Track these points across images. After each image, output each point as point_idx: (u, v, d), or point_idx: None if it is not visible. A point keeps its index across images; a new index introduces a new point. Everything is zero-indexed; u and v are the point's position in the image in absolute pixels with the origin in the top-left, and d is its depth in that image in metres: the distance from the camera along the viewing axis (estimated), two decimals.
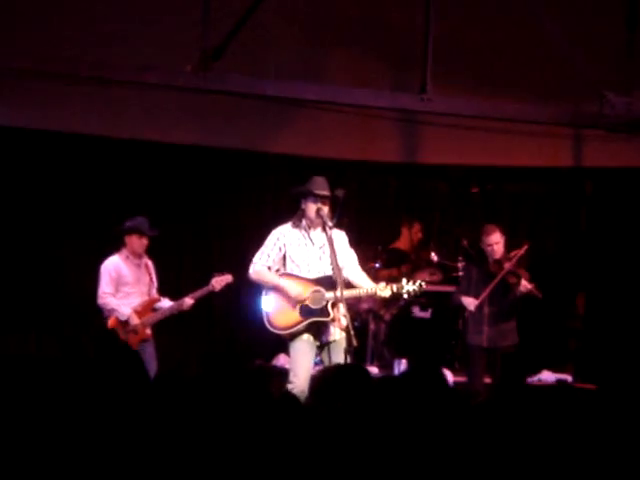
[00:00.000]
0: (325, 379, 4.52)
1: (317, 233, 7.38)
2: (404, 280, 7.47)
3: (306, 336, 7.23)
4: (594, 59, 8.55)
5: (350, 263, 7.45)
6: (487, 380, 8.73)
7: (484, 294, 8.45)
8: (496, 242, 8.63)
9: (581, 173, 11.37)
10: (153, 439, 3.62)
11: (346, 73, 10.40)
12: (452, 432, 3.53)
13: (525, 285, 8.39)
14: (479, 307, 8.53)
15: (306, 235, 7.37)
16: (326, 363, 7.27)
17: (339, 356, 7.21)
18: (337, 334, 7.28)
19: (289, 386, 7.05)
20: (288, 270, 7.35)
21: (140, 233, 8.45)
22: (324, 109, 10.30)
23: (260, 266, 7.32)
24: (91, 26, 9.37)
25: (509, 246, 8.72)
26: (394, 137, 11.60)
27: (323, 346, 7.29)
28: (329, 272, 7.29)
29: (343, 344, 7.24)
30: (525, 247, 8.61)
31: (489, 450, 3.46)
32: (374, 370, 10.11)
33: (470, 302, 8.49)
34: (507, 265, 8.45)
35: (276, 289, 7.29)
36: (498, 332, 8.54)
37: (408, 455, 3.44)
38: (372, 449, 3.50)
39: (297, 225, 7.37)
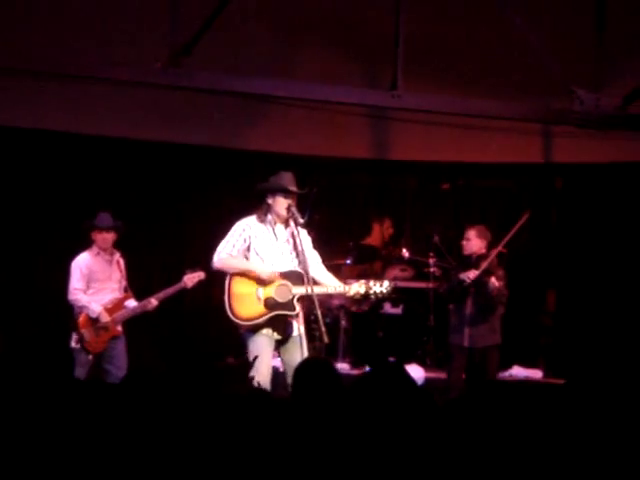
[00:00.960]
0: (300, 374, 4.53)
1: (280, 228, 7.36)
2: (372, 282, 7.47)
3: (266, 330, 7.18)
4: (563, 55, 8.57)
5: (315, 262, 7.43)
6: None
7: (480, 268, 8.45)
8: (467, 238, 8.69)
9: (551, 169, 11.41)
10: (121, 438, 3.60)
11: (316, 69, 10.39)
12: (417, 430, 3.53)
13: (493, 282, 8.42)
14: (461, 308, 8.57)
15: (271, 230, 7.33)
16: (284, 358, 7.25)
17: (297, 351, 7.19)
18: (296, 329, 7.26)
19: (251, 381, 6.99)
20: (252, 262, 7.30)
21: (99, 228, 8.43)
22: (294, 105, 10.30)
23: (225, 254, 7.27)
24: (60, 22, 9.32)
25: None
26: (365, 133, 11.61)
27: (281, 341, 7.25)
28: (292, 266, 7.28)
29: (302, 339, 7.23)
30: (498, 249, 8.65)
31: (456, 447, 3.46)
32: (345, 367, 10.11)
33: (469, 273, 8.49)
34: (483, 263, 8.49)
35: (244, 274, 7.23)
36: (478, 332, 8.57)
37: (375, 452, 3.44)
38: (337, 445, 3.50)
39: (262, 219, 7.33)
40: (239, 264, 7.27)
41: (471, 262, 8.64)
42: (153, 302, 8.45)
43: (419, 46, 9.13)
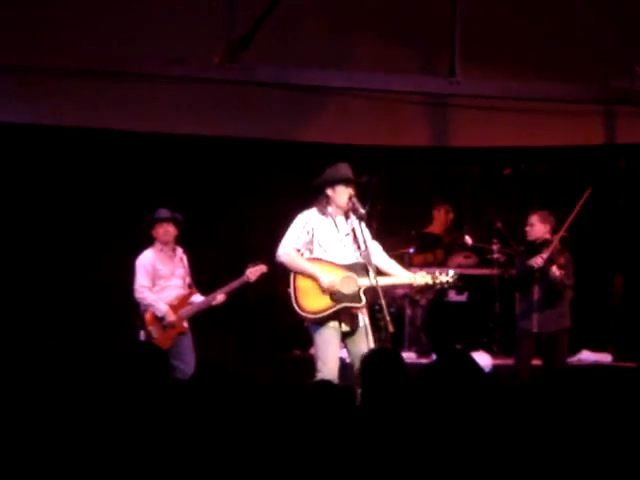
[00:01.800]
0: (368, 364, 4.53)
1: (341, 220, 7.31)
2: (437, 271, 7.45)
3: (332, 323, 7.13)
4: (623, 35, 8.48)
5: (378, 252, 7.40)
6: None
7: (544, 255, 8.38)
8: (530, 224, 8.61)
9: (614, 150, 11.26)
10: (191, 434, 3.62)
11: (374, 59, 10.36)
12: (485, 415, 3.51)
13: (554, 272, 8.35)
14: (528, 293, 8.51)
15: (332, 222, 7.29)
16: (350, 349, 7.23)
17: (363, 342, 7.17)
18: (362, 320, 7.25)
19: (318, 375, 6.96)
20: (316, 254, 7.28)
21: (159, 220, 8.47)
22: (353, 96, 10.29)
23: (290, 248, 7.23)
24: (118, 21, 9.39)
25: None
26: (423, 121, 11.55)
27: (348, 332, 7.24)
28: (355, 257, 7.27)
29: (367, 330, 7.22)
30: (561, 234, 8.56)
31: (524, 433, 3.43)
32: (411, 356, 10.09)
33: (537, 259, 8.43)
34: (547, 250, 8.40)
35: (307, 275, 7.25)
36: (547, 317, 8.50)
37: (440, 441, 3.43)
38: (405, 437, 3.49)
39: (323, 212, 7.29)
40: (304, 266, 7.22)
41: (535, 247, 8.56)
42: (219, 297, 8.47)
43: (476, 31, 9.08)
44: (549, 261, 8.37)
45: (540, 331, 8.50)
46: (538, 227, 8.58)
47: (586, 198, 8.73)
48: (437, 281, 7.36)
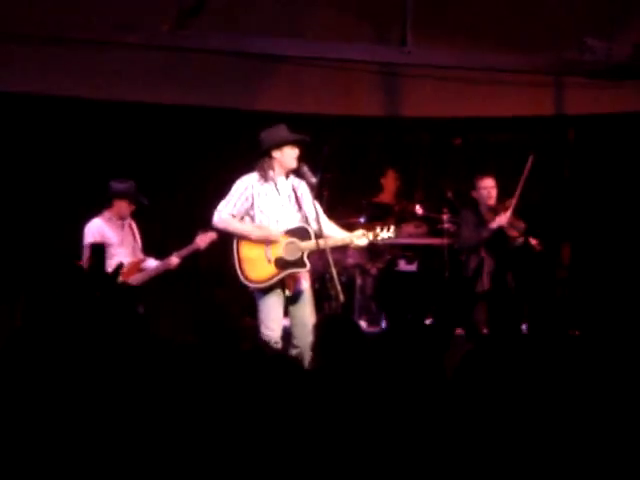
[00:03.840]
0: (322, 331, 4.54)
1: (282, 182, 7.32)
2: (378, 228, 7.46)
3: (276, 289, 7.19)
4: (573, 5, 8.53)
5: (319, 215, 7.38)
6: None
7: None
8: (491, 186, 8.64)
9: (563, 121, 11.35)
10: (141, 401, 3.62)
11: (326, 28, 10.33)
12: (435, 386, 3.55)
13: (530, 239, 8.44)
14: (478, 255, 8.55)
15: (273, 185, 7.28)
16: (294, 315, 7.25)
17: (306, 305, 7.23)
18: (304, 284, 7.28)
19: (264, 337, 7.04)
20: (257, 222, 7.27)
21: (132, 200, 8.42)
22: (305, 64, 10.26)
23: (226, 214, 7.24)
24: None
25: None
26: (375, 91, 11.54)
27: (291, 298, 7.25)
28: (296, 221, 7.28)
29: (309, 294, 7.27)
30: (516, 199, 8.62)
31: (473, 402, 3.47)
32: (362, 325, 10.12)
33: (500, 219, 8.44)
34: (502, 216, 8.44)
35: (246, 237, 7.22)
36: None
37: (393, 408, 3.46)
38: (359, 404, 3.52)
39: (264, 176, 7.28)
40: (239, 227, 7.23)
41: (489, 211, 8.59)
42: (174, 259, 8.45)
43: (428, 1, 9.08)
44: (516, 228, 8.46)
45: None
46: (496, 191, 8.63)
47: (531, 164, 8.76)
48: (378, 238, 7.40)
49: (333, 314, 7.13)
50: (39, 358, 3.79)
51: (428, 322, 9.76)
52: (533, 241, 8.50)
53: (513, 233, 8.52)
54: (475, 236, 8.58)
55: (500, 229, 8.49)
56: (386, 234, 7.40)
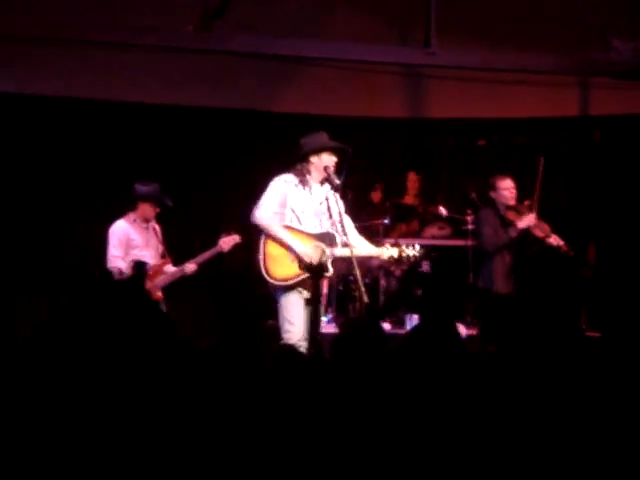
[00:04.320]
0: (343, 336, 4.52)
1: (317, 189, 7.35)
2: (404, 245, 7.48)
3: (300, 288, 7.19)
4: (599, 5, 8.48)
5: (348, 226, 7.41)
6: None
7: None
8: (512, 186, 8.59)
9: (589, 122, 11.29)
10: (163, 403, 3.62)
11: (349, 29, 10.32)
12: (463, 384, 3.54)
13: (558, 241, 8.40)
14: (503, 258, 8.51)
15: (307, 189, 7.31)
16: (309, 315, 7.25)
17: (318, 310, 7.28)
18: (322, 289, 7.33)
19: (286, 336, 7.06)
20: (287, 220, 7.27)
21: (157, 202, 8.43)
22: (328, 66, 10.25)
23: (267, 211, 7.24)
24: None
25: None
26: (399, 92, 11.53)
27: (307, 300, 7.25)
28: (327, 228, 7.30)
29: (322, 300, 7.33)
30: (535, 202, 8.57)
31: (499, 402, 3.46)
32: (386, 326, 10.10)
33: (529, 218, 8.42)
34: (530, 216, 8.40)
35: (280, 243, 7.25)
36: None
37: (420, 410, 3.44)
38: (383, 406, 3.51)
39: (300, 179, 7.31)
40: (279, 234, 7.21)
41: (499, 211, 8.55)
42: (191, 266, 8.46)
43: (452, 2, 9.05)
44: (541, 229, 8.44)
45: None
46: (515, 189, 8.59)
47: (543, 166, 8.70)
48: (403, 254, 7.42)
49: (357, 318, 7.11)
50: (60, 354, 3.80)
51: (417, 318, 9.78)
52: (560, 242, 8.46)
53: (539, 234, 8.48)
54: (501, 236, 8.52)
55: (526, 229, 8.45)
56: (411, 252, 7.42)
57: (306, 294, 7.24)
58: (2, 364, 3.85)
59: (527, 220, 8.42)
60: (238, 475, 3.27)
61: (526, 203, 8.61)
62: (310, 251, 7.18)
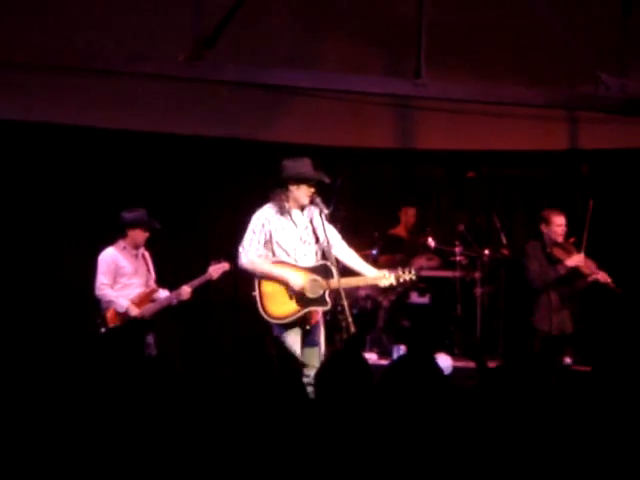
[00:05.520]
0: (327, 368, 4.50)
1: (297, 214, 7.30)
2: (400, 270, 7.44)
3: (297, 324, 7.18)
4: (588, 41, 8.52)
5: (337, 240, 7.39)
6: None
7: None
8: (564, 224, 8.58)
9: (577, 155, 11.34)
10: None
11: (339, 60, 10.36)
12: (445, 416, 3.53)
13: (605, 278, 8.42)
14: (548, 293, 8.50)
15: (289, 218, 7.27)
16: (306, 344, 7.23)
17: (317, 337, 7.25)
18: (319, 315, 7.30)
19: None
20: (276, 256, 7.25)
21: (146, 227, 8.44)
22: (318, 96, 10.27)
23: (252, 254, 7.21)
24: (81, 16, 9.32)
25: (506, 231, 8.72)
26: (389, 123, 11.57)
27: (307, 330, 7.26)
28: (314, 254, 7.28)
29: (321, 326, 7.30)
30: (574, 240, 8.60)
31: (482, 435, 3.45)
32: (373, 357, 10.09)
33: (578, 257, 8.42)
34: (579, 256, 8.41)
35: (274, 280, 7.23)
36: (563, 319, 8.56)
37: (404, 439, 3.43)
38: (367, 436, 3.49)
39: (279, 208, 7.26)
40: (270, 271, 7.20)
41: (546, 246, 8.54)
42: (186, 289, 8.43)
43: (442, 34, 9.08)
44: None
45: (554, 332, 8.53)
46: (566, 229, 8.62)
47: (592, 207, 8.70)
48: (401, 280, 7.39)
49: (341, 349, 7.10)
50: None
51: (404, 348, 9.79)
52: (607, 279, 8.48)
53: (587, 271, 8.50)
54: (550, 273, 8.54)
55: (575, 267, 8.48)
56: (408, 276, 7.40)
57: (307, 327, 7.23)
58: None
59: (576, 259, 8.44)
60: None
61: (571, 240, 8.63)
62: (307, 285, 7.16)
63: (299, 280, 7.15)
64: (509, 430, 3.47)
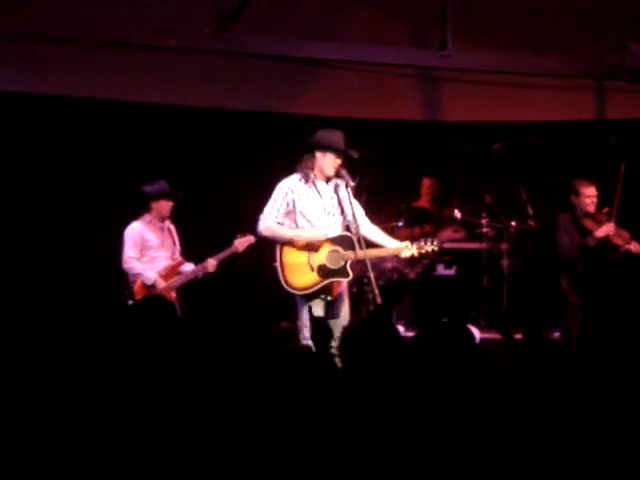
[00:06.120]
0: (354, 334, 4.51)
1: (322, 185, 7.28)
2: (422, 241, 7.41)
3: (322, 295, 7.16)
4: (616, 10, 8.47)
5: (360, 215, 7.36)
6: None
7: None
8: (595, 195, 8.48)
9: (604, 126, 11.25)
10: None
11: (366, 31, 10.33)
12: (476, 388, 3.53)
13: (638, 248, 8.36)
14: (578, 264, 8.44)
15: (314, 188, 7.26)
16: (329, 314, 7.20)
17: (343, 307, 7.25)
18: (343, 286, 7.28)
19: (304, 342, 7.01)
20: (299, 226, 7.24)
21: (168, 197, 8.46)
22: (344, 68, 10.25)
23: (271, 221, 7.21)
24: None
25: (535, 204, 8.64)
26: (415, 95, 11.53)
27: (330, 300, 7.25)
28: (339, 225, 7.26)
29: (347, 295, 7.28)
30: (608, 210, 8.50)
31: (511, 407, 3.45)
32: (400, 329, 10.10)
33: (608, 227, 8.35)
34: (609, 225, 8.33)
35: (293, 243, 7.24)
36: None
37: (431, 412, 3.44)
38: (395, 407, 3.50)
39: (305, 176, 7.25)
40: (287, 232, 7.21)
41: (578, 217, 8.49)
42: (212, 262, 8.45)
43: (468, 5, 9.06)
44: (621, 237, 8.41)
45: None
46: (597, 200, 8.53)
47: (624, 170, 8.61)
48: (422, 251, 7.35)
49: (366, 318, 7.09)
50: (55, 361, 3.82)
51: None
52: (638, 248, 8.40)
53: (619, 241, 8.42)
54: (581, 244, 8.48)
55: (606, 237, 8.40)
56: (430, 247, 7.35)
57: (330, 298, 7.22)
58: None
59: (605, 229, 8.34)
60: (250, 476, 3.27)
61: (604, 211, 8.53)
62: (329, 256, 7.16)
63: (317, 233, 7.14)
64: (544, 403, 3.47)
